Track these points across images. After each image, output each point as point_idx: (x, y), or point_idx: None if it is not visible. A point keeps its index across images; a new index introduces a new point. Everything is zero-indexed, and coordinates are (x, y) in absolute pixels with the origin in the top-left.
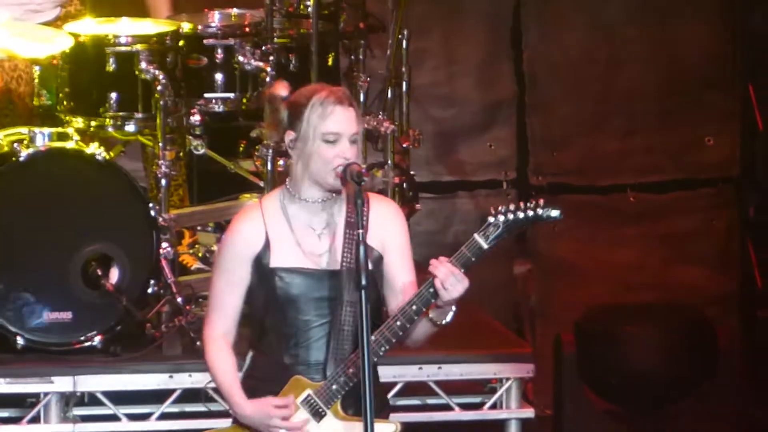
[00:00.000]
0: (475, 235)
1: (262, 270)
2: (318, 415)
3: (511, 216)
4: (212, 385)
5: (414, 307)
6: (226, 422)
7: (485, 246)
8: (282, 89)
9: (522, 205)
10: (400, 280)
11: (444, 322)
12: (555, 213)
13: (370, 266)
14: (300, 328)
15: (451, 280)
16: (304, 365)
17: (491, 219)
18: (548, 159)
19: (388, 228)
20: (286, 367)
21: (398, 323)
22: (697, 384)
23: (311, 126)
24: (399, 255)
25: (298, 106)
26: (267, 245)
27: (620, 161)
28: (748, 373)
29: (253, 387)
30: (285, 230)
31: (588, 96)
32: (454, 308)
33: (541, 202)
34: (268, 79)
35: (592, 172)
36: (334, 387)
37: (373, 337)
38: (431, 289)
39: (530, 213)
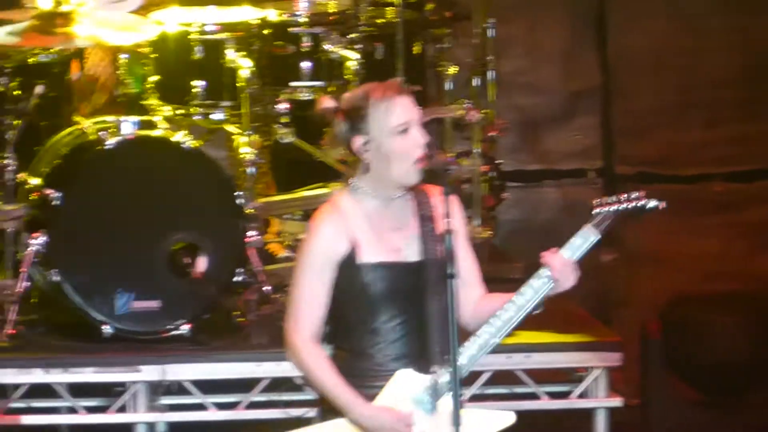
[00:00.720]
0: (586, 226)
1: (350, 269)
2: (431, 408)
3: (617, 207)
4: (299, 374)
5: (524, 298)
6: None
7: (597, 237)
8: (328, 102)
9: (626, 195)
10: (469, 272)
11: (537, 311)
12: (657, 204)
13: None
14: (388, 323)
15: (567, 270)
16: (391, 360)
17: (599, 210)
18: (633, 148)
19: (456, 221)
20: (375, 362)
21: (508, 314)
22: None
23: (381, 123)
24: (466, 248)
25: (359, 109)
26: (352, 244)
27: (704, 151)
28: None
29: None
30: (366, 228)
31: (671, 85)
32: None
33: (643, 193)
34: (354, 67)
35: (677, 162)
36: (441, 381)
37: (480, 329)
38: (542, 279)
39: (634, 204)
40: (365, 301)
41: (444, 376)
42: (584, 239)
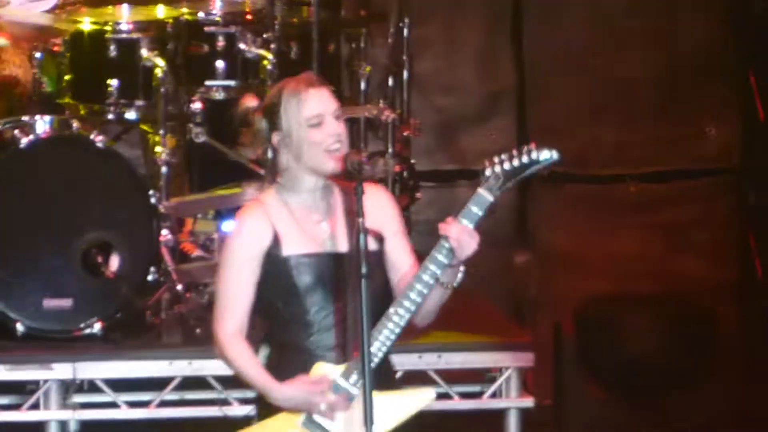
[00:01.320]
0: (479, 190)
1: (275, 262)
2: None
3: (508, 165)
4: (213, 373)
5: (429, 272)
6: (227, 410)
7: (491, 198)
8: (251, 101)
9: (516, 151)
10: (403, 261)
11: (456, 283)
12: (550, 154)
13: (375, 248)
14: (318, 314)
15: (465, 236)
16: (326, 350)
17: (489, 171)
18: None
19: (384, 213)
20: (309, 354)
21: (415, 290)
22: (696, 373)
23: (293, 117)
24: (399, 238)
25: (273, 106)
26: (276, 237)
27: (620, 151)
28: (748, 362)
29: (277, 378)
30: (289, 221)
31: (587, 86)
32: (463, 268)
33: (534, 146)
34: (269, 67)
35: (593, 162)
36: (357, 369)
37: (392, 309)
38: (444, 250)
39: (526, 158)
40: (294, 293)
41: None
42: (479, 203)
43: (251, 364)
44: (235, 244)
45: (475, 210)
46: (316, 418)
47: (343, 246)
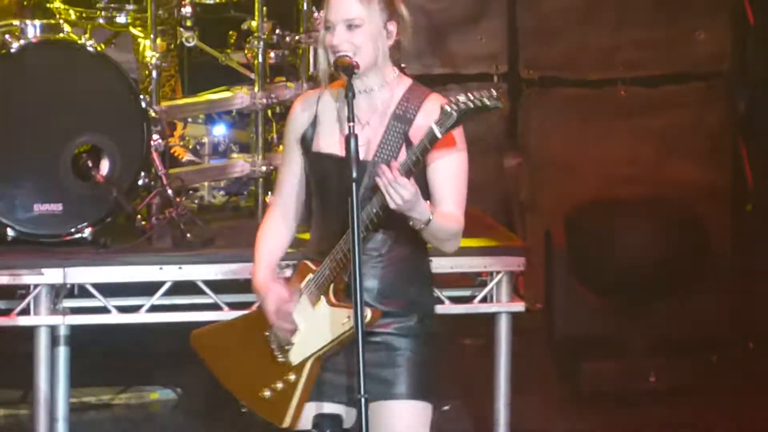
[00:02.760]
0: (432, 125)
1: (306, 153)
2: (314, 300)
3: (463, 105)
4: (203, 278)
5: (373, 210)
6: (217, 314)
7: (439, 135)
8: None
9: (473, 94)
10: (436, 188)
11: (421, 225)
12: (496, 103)
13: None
14: (330, 213)
15: (390, 190)
16: (321, 252)
17: (447, 108)
18: (539, 52)
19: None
20: (313, 250)
21: (366, 218)
22: (687, 278)
23: (324, 18)
24: (435, 165)
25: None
26: (313, 128)
27: (611, 55)
28: (738, 268)
29: None
30: (332, 116)
31: None
32: (421, 208)
33: (488, 92)
34: None
35: (583, 66)
36: (327, 272)
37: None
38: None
39: (478, 103)
40: (316, 187)
41: (329, 268)
42: (428, 137)
43: (258, 243)
44: (286, 125)
45: (424, 142)
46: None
47: (371, 152)
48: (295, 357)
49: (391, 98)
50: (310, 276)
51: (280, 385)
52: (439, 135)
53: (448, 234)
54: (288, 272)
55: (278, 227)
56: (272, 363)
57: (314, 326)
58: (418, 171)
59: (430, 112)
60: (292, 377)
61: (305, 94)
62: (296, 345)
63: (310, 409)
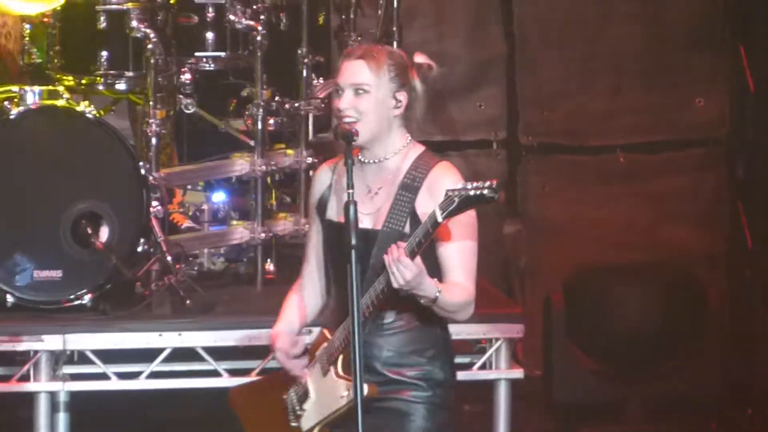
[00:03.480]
0: (435, 209)
1: (321, 219)
2: (325, 370)
3: (464, 193)
4: (202, 344)
5: (380, 286)
6: (217, 381)
7: (440, 220)
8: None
9: (475, 184)
10: (444, 258)
11: (425, 301)
12: (493, 195)
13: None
14: (341, 282)
15: (393, 269)
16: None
17: (450, 193)
18: (538, 118)
19: (439, 198)
20: (329, 318)
21: (373, 294)
22: (685, 343)
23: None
24: (443, 241)
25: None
26: (328, 196)
27: (609, 121)
28: (737, 333)
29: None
30: (344, 186)
31: (577, 55)
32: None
33: (491, 183)
34: (258, 38)
35: (582, 132)
36: (337, 343)
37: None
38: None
39: (478, 192)
40: (327, 256)
41: (338, 340)
42: (431, 219)
43: (284, 307)
44: (309, 193)
45: (426, 226)
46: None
47: (377, 223)
48: (305, 423)
49: (400, 166)
50: (325, 345)
51: None
52: (440, 220)
53: (456, 307)
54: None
55: (301, 298)
56: (287, 427)
57: (322, 395)
58: (423, 250)
59: (433, 183)
60: None
61: (326, 163)
62: (307, 411)
63: None
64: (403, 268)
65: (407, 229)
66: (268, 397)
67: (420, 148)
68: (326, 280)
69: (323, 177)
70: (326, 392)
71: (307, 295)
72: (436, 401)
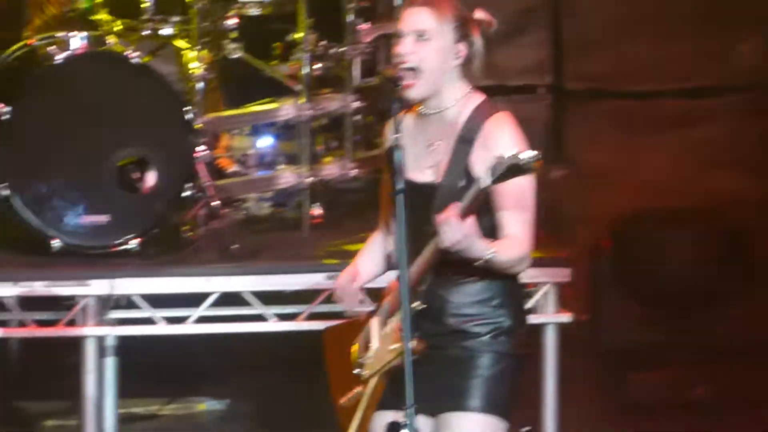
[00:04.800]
0: (483, 175)
1: (389, 171)
2: (384, 321)
3: (510, 162)
4: (249, 289)
5: (431, 245)
6: (263, 325)
7: (488, 182)
8: None
9: (520, 154)
10: (499, 211)
11: (479, 263)
12: (533, 167)
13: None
14: (412, 236)
15: (443, 229)
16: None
17: (498, 159)
18: (584, 64)
19: (494, 153)
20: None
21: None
22: (732, 289)
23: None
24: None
25: None
26: (395, 149)
27: (656, 67)
28: None
29: None
30: (409, 138)
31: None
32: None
33: (537, 153)
34: None
35: (628, 78)
36: (397, 296)
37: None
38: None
39: (521, 162)
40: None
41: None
42: (478, 183)
43: (358, 256)
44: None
45: (472, 191)
46: (372, 328)
47: (438, 177)
48: (365, 371)
49: (458, 118)
50: (389, 297)
51: (351, 396)
52: (482, 186)
53: (511, 263)
54: None
55: (375, 250)
56: (351, 373)
57: (382, 345)
58: (478, 208)
59: (487, 137)
60: (359, 390)
61: (394, 118)
62: (368, 360)
63: (384, 419)
64: (451, 229)
65: (462, 184)
66: (349, 341)
67: (479, 98)
68: None
69: (390, 132)
70: (384, 343)
71: (378, 254)
72: (501, 349)
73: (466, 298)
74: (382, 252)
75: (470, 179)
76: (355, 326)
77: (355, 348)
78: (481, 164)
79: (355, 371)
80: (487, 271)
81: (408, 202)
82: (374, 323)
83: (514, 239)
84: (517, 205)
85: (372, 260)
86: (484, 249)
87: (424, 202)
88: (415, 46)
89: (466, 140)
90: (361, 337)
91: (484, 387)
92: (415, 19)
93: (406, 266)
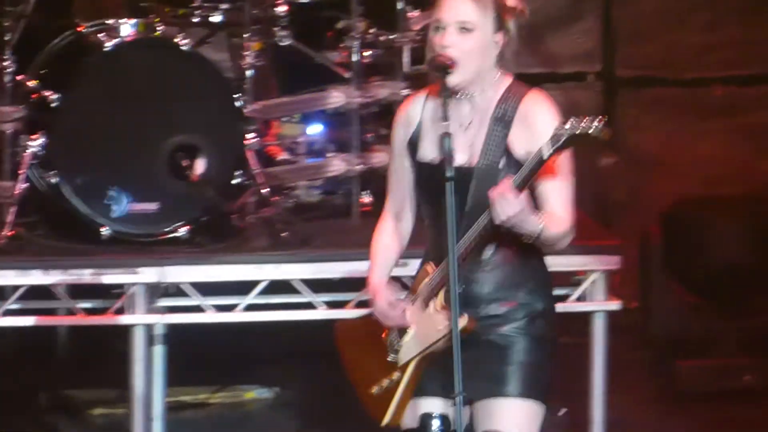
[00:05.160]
0: (542, 147)
1: (412, 158)
2: (426, 303)
3: (573, 131)
4: (299, 277)
5: (483, 221)
6: (313, 313)
7: (546, 155)
8: None
9: (583, 120)
10: (541, 190)
11: (530, 239)
12: (598, 132)
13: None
14: (434, 220)
15: (497, 203)
16: (435, 255)
17: (558, 129)
18: (634, 51)
19: (534, 135)
20: (428, 254)
21: (472, 230)
22: None
23: (433, 14)
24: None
25: None
26: (418, 133)
27: (705, 55)
28: None
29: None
30: (434, 122)
31: None
32: (530, 223)
33: (599, 121)
34: None
35: (678, 65)
36: (438, 278)
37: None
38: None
39: (586, 129)
40: (421, 194)
41: (441, 274)
42: (537, 156)
43: (375, 247)
44: (392, 129)
45: (532, 163)
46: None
47: (472, 159)
48: (403, 356)
49: (492, 99)
50: (426, 280)
51: (386, 383)
52: (545, 157)
53: (557, 239)
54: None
55: (391, 237)
56: (384, 361)
57: (422, 329)
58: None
59: (526, 114)
60: (396, 375)
61: (410, 98)
62: (405, 345)
63: (419, 407)
64: (507, 204)
65: (502, 164)
66: (370, 333)
67: (508, 79)
68: (417, 217)
69: (411, 113)
70: (426, 325)
71: (395, 241)
72: (537, 333)
73: (501, 281)
74: (397, 247)
75: (511, 158)
76: (370, 319)
77: (385, 335)
78: (521, 142)
79: (390, 358)
80: (521, 254)
81: (438, 185)
82: (411, 308)
83: (558, 215)
84: (558, 180)
85: (387, 266)
86: (536, 223)
87: (459, 185)
88: (459, 38)
89: (502, 121)
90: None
91: (521, 372)
92: (459, 10)
93: (454, 250)
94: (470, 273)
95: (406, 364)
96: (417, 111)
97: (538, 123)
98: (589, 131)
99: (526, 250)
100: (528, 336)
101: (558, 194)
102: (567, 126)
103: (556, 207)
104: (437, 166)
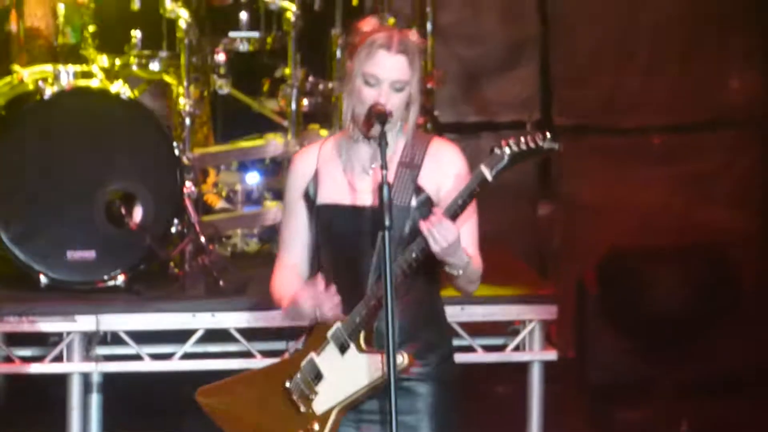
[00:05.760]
0: (481, 165)
1: (310, 205)
2: (343, 348)
3: (515, 148)
4: (234, 325)
5: (413, 255)
6: (250, 362)
7: (489, 177)
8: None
9: (525, 137)
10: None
11: (458, 272)
12: (552, 145)
13: (413, 204)
14: (341, 264)
15: (435, 233)
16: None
17: (497, 150)
18: (572, 99)
19: (445, 173)
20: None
21: (404, 263)
22: (719, 323)
23: (357, 64)
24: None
25: (355, 44)
26: (315, 180)
27: (643, 103)
28: None
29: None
30: (335, 166)
31: (611, 35)
32: (461, 252)
33: (546, 135)
34: (292, 18)
35: (616, 114)
36: (357, 320)
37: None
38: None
39: (532, 145)
40: (323, 240)
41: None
42: (477, 177)
43: (280, 285)
44: (286, 182)
45: (472, 186)
46: (316, 362)
47: (376, 200)
48: (319, 406)
49: (396, 146)
50: (338, 325)
51: None
52: (489, 178)
53: (476, 276)
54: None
55: (288, 275)
56: (294, 414)
57: (343, 374)
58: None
59: (437, 154)
60: (315, 427)
61: (303, 150)
62: (320, 394)
63: None
64: (444, 231)
65: (414, 203)
66: (262, 390)
67: (410, 128)
68: (316, 267)
69: (305, 167)
70: (350, 369)
71: (290, 280)
72: (445, 378)
73: (409, 323)
74: (299, 279)
75: (421, 195)
76: (248, 379)
77: (284, 392)
78: (431, 180)
79: (302, 409)
80: (427, 297)
81: (343, 227)
82: (320, 356)
83: (474, 257)
84: (469, 220)
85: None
86: (464, 256)
87: (365, 226)
88: (393, 96)
89: (410, 165)
90: (295, 378)
91: (432, 421)
92: (394, 69)
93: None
94: (380, 312)
95: (327, 413)
96: (312, 160)
97: (452, 161)
98: (540, 144)
99: (431, 291)
100: (438, 380)
101: (470, 234)
102: (511, 143)
103: (470, 247)
104: (342, 208)
